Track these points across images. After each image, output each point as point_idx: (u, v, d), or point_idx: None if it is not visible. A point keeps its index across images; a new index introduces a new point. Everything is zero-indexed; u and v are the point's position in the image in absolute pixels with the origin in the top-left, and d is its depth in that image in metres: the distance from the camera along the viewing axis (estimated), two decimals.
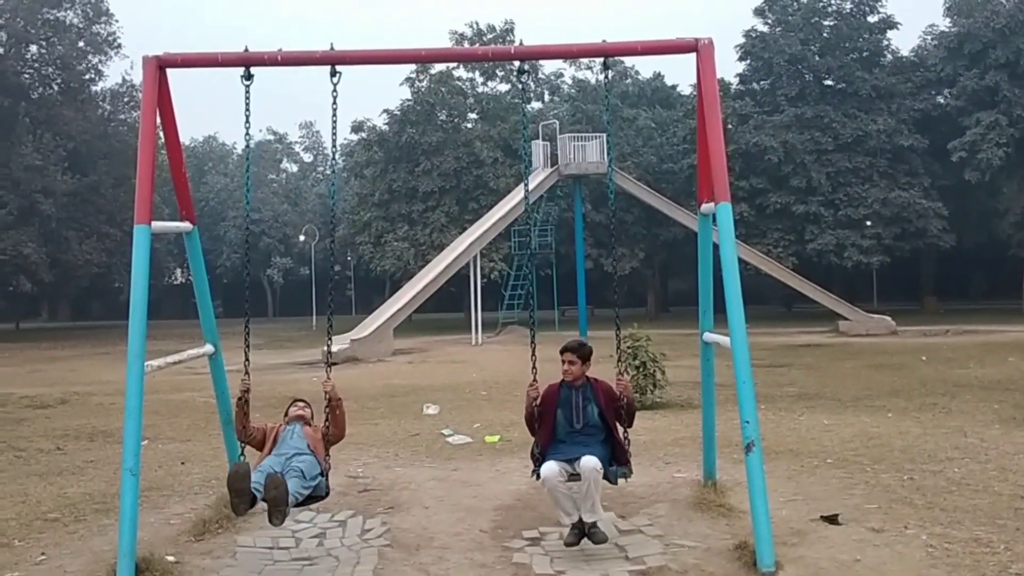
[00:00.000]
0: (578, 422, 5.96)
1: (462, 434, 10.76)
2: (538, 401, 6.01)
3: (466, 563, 5.76)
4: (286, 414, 6.43)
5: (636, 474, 7.98)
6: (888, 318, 31.27)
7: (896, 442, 9.44)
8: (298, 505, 5.77)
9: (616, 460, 5.97)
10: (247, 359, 6.36)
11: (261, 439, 6.20)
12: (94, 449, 10.61)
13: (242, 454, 6.21)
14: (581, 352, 6.06)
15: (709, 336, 7.06)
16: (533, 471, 6.01)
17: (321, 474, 5.89)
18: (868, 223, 39.37)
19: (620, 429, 6.06)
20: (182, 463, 9.43)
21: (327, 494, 6.00)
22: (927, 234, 39.53)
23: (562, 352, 6.08)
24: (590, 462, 5.67)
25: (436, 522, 6.76)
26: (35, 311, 62.49)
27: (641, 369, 12.77)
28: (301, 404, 6.53)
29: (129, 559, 5.33)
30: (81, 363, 26.35)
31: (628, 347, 12.71)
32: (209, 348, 7.11)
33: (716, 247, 6.19)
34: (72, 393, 16.93)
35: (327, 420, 6.15)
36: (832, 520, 6.33)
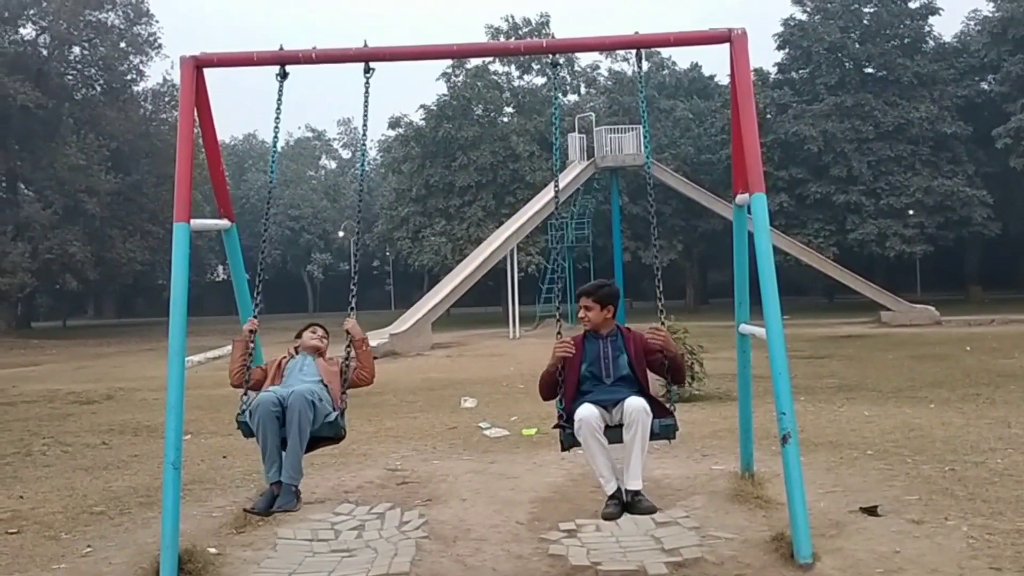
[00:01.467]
0: (608, 376, 5.31)
1: (499, 427, 10.80)
2: (569, 354, 5.27)
3: (503, 555, 5.80)
4: (296, 346, 5.97)
5: (673, 466, 8.03)
6: (931, 308, 30.82)
7: (938, 433, 9.32)
8: (311, 447, 5.58)
9: (655, 414, 5.16)
10: (256, 303, 6.21)
11: (261, 378, 5.88)
12: (139, 444, 10.79)
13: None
14: (598, 294, 5.32)
15: (745, 328, 7.02)
16: (557, 426, 5.32)
17: (336, 410, 5.62)
18: (911, 212, 38.81)
19: (663, 387, 5.35)
20: (224, 457, 9.57)
21: (344, 435, 5.78)
22: (971, 222, 38.89)
23: (577, 297, 5.38)
24: (636, 402, 4.93)
25: (473, 514, 6.80)
26: (81, 308, 63.66)
27: None
28: (318, 332, 6.01)
29: (172, 551, 5.42)
30: (126, 359, 26.80)
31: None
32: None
33: (752, 238, 6.15)
34: (117, 389, 17.24)
35: (348, 358, 5.78)
36: (871, 512, 6.27)
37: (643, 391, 5.32)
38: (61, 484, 8.45)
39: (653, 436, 5.22)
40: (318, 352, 5.97)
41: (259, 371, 5.93)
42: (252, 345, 5.89)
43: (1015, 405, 11.15)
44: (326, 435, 5.71)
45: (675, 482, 7.52)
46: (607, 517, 5.30)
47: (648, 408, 5.04)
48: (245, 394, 5.81)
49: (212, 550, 5.93)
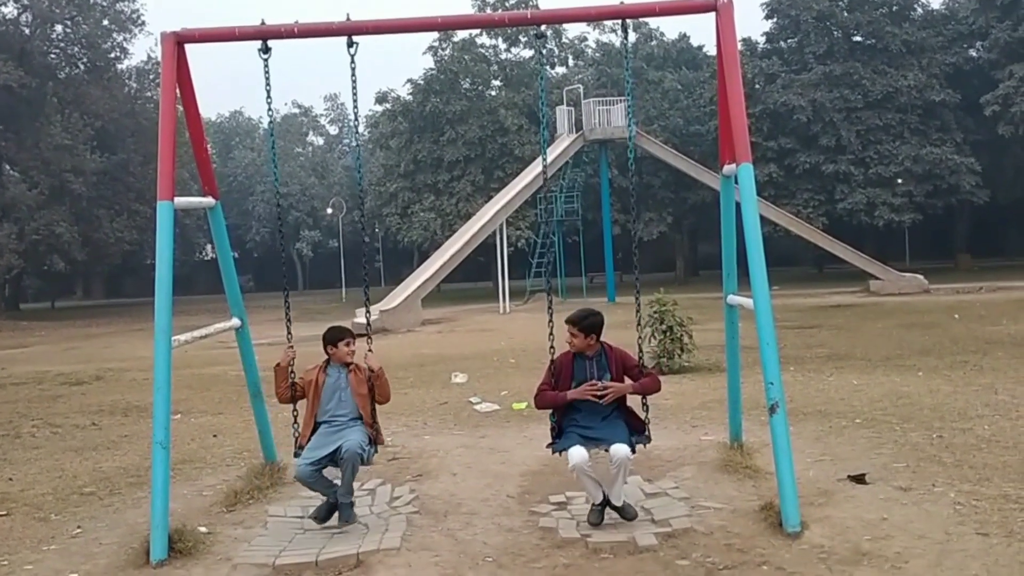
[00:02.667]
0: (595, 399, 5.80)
1: (490, 402, 10.82)
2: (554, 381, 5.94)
3: (493, 528, 5.82)
4: (327, 349, 6.20)
5: (663, 438, 8.06)
6: (920, 276, 30.92)
7: (926, 401, 9.38)
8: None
9: (631, 428, 5.82)
10: (289, 332, 6.58)
11: (302, 395, 6.21)
12: (128, 424, 10.78)
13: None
14: (582, 324, 5.84)
15: (733, 299, 7.03)
16: (552, 445, 5.91)
17: (371, 443, 6.00)
18: (899, 181, 38.82)
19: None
20: (214, 436, 9.57)
21: (374, 454, 6.12)
22: (960, 190, 38.93)
23: (566, 323, 5.91)
24: (621, 450, 5.56)
25: (464, 488, 6.83)
26: (69, 290, 63.34)
27: (668, 334, 12.74)
28: (352, 346, 6.20)
29: (162, 530, 5.44)
30: (115, 340, 26.74)
31: (655, 312, 12.68)
32: (236, 322, 7.19)
33: (740, 209, 6.15)
34: (107, 369, 17.21)
35: (370, 383, 6.14)
36: (859, 480, 6.31)
37: (623, 404, 5.89)
38: (51, 465, 8.44)
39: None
40: (349, 367, 6.18)
41: (299, 389, 6.22)
42: (291, 370, 6.25)
43: (1002, 372, 11.22)
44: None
45: (665, 453, 7.56)
46: (592, 523, 5.71)
47: (630, 453, 5.61)
48: (295, 422, 6.22)
49: (203, 529, 5.94)
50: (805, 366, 12.67)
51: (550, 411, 6.01)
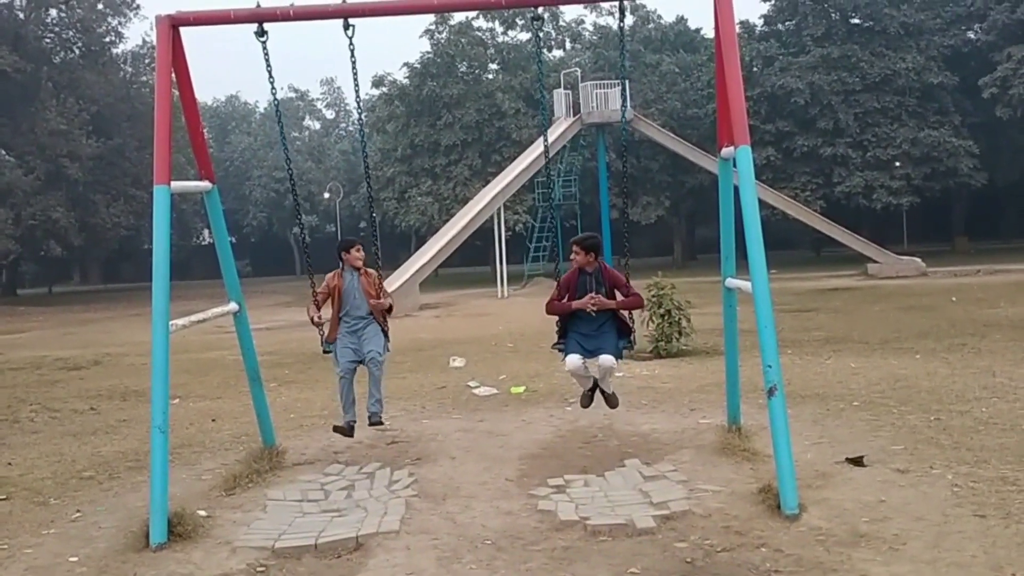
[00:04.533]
0: (593, 309, 6.78)
1: (488, 386, 10.82)
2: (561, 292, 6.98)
3: (492, 511, 5.83)
4: (340, 256, 7.31)
5: (661, 421, 8.09)
6: (918, 259, 30.92)
7: (924, 383, 9.39)
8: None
9: (619, 332, 6.89)
10: (312, 286, 7.55)
11: (326, 298, 7.30)
12: (127, 408, 10.79)
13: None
14: (584, 244, 6.91)
15: (731, 282, 7.03)
16: (556, 344, 7.02)
17: (384, 334, 7.22)
18: (897, 164, 38.74)
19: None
20: (213, 420, 9.57)
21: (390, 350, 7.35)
22: (958, 173, 38.85)
23: (570, 244, 7.02)
24: (608, 361, 6.75)
25: (463, 472, 6.84)
26: (67, 275, 63.24)
27: (666, 317, 12.74)
28: (359, 252, 7.32)
29: (161, 514, 5.45)
30: (113, 325, 26.72)
31: (653, 295, 12.69)
32: (233, 306, 7.18)
33: (738, 192, 6.13)
34: (105, 354, 17.20)
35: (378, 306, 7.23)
36: (857, 462, 6.33)
37: (615, 314, 6.94)
38: (50, 450, 8.45)
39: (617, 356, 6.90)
40: (359, 269, 7.28)
41: (323, 296, 7.32)
42: (326, 295, 7.35)
43: (1000, 354, 11.23)
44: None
45: (663, 436, 7.57)
46: (583, 404, 7.22)
47: (615, 363, 6.86)
48: (320, 328, 7.26)
49: (202, 513, 5.96)
50: (803, 349, 12.68)
51: (557, 320, 7.04)
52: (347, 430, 7.13)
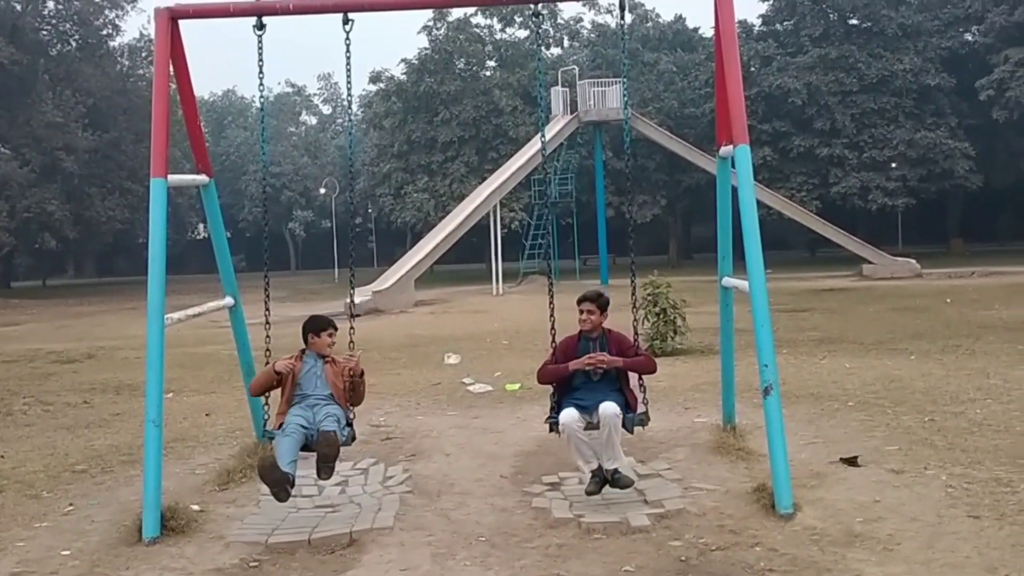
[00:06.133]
0: (595, 374, 5.88)
1: (483, 383, 10.82)
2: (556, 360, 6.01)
3: (486, 508, 5.83)
4: (306, 339, 6.04)
5: (656, 419, 8.01)
6: (913, 261, 30.97)
7: (918, 384, 9.40)
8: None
9: (630, 408, 5.87)
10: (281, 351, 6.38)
11: (279, 384, 5.99)
12: (120, 402, 10.76)
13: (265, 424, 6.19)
14: (599, 302, 6.01)
15: (728, 281, 7.02)
16: (549, 420, 5.96)
17: (348, 423, 5.87)
18: (893, 165, 38.81)
19: (634, 377, 6.00)
20: (206, 415, 9.55)
21: (353, 441, 5.93)
22: (954, 175, 38.93)
23: (579, 302, 6.03)
24: (609, 408, 5.62)
25: (457, 469, 6.83)
26: (61, 268, 63.14)
27: (661, 316, 12.75)
28: (331, 338, 6.03)
29: (154, 508, 5.43)
30: (107, 318, 26.66)
31: (648, 294, 12.70)
32: (229, 301, 7.16)
33: (736, 191, 6.12)
34: (98, 348, 17.16)
35: (347, 387, 5.92)
36: (852, 462, 6.33)
37: (623, 386, 5.97)
38: (42, 443, 8.42)
39: (625, 426, 5.78)
40: (325, 358, 6.00)
41: (277, 381, 5.95)
42: (277, 382, 5.95)
43: (994, 356, 11.25)
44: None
45: (658, 435, 7.56)
46: (589, 493, 5.72)
47: (618, 411, 5.65)
48: (266, 403, 6.21)
49: (195, 507, 5.94)
50: (798, 349, 12.69)
51: (551, 391, 6.06)
52: (280, 479, 5.35)
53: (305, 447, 5.62)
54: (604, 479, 5.71)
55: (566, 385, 5.97)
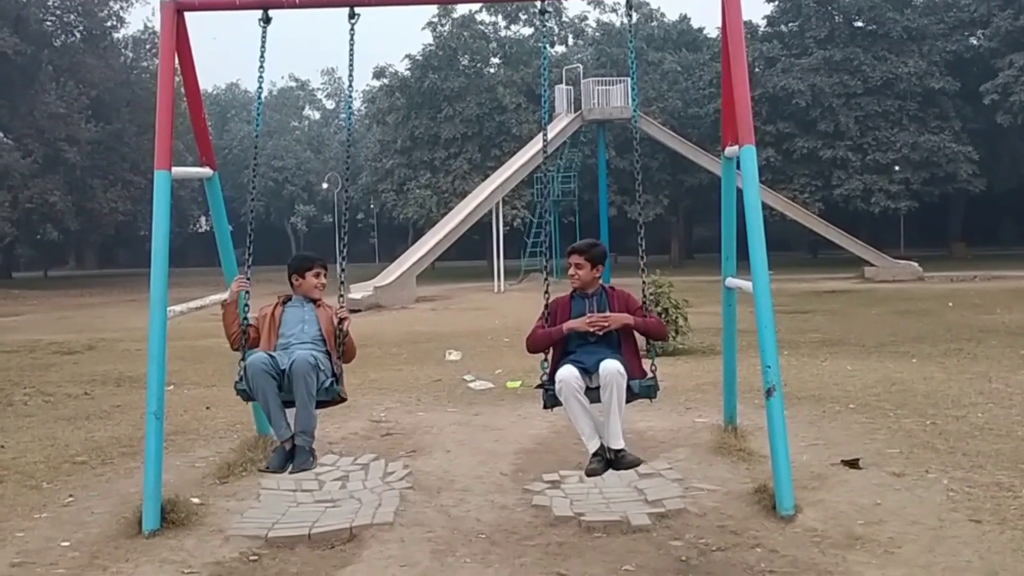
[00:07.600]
0: (592, 335, 5.25)
1: (484, 380, 10.81)
2: (549, 322, 5.41)
3: (487, 505, 5.81)
4: (291, 279, 5.57)
5: (657, 419, 8.05)
6: (915, 264, 30.98)
7: (919, 387, 9.39)
8: (318, 406, 5.42)
9: (634, 374, 5.23)
10: (247, 261, 5.80)
11: (256, 335, 5.65)
12: (121, 394, 10.75)
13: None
14: (590, 252, 5.33)
15: (731, 281, 7.00)
16: (541, 386, 5.37)
17: (334, 376, 5.47)
18: (896, 168, 38.82)
19: (641, 344, 5.41)
20: (207, 408, 9.54)
21: (344, 398, 5.69)
22: (957, 179, 38.93)
23: (568, 254, 5.34)
24: (611, 365, 4.94)
25: (457, 465, 6.82)
26: (62, 259, 63.18)
27: (663, 316, 12.73)
28: (319, 278, 5.48)
29: (154, 501, 5.41)
30: (108, 310, 26.67)
31: (651, 293, 12.63)
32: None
33: (740, 192, 6.10)
34: (99, 339, 17.16)
35: (337, 337, 5.52)
36: (853, 464, 6.32)
37: (623, 350, 5.37)
38: (43, 434, 8.41)
39: (633, 396, 5.30)
40: (316, 302, 5.65)
41: (253, 330, 5.65)
42: (246, 304, 5.63)
43: (996, 360, 11.24)
44: (323, 399, 5.53)
45: (659, 434, 7.55)
46: (590, 473, 5.35)
47: (622, 370, 5.06)
48: (243, 359, 5.56)
49: (195, 500, 5.93)
50: (799, 351, 12.68)
51: (542, 361, 5.48)
52: (275, 464, 5.38)
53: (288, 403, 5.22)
54: (607, 460, 5.26)
55: (559, 351, 5.38)
